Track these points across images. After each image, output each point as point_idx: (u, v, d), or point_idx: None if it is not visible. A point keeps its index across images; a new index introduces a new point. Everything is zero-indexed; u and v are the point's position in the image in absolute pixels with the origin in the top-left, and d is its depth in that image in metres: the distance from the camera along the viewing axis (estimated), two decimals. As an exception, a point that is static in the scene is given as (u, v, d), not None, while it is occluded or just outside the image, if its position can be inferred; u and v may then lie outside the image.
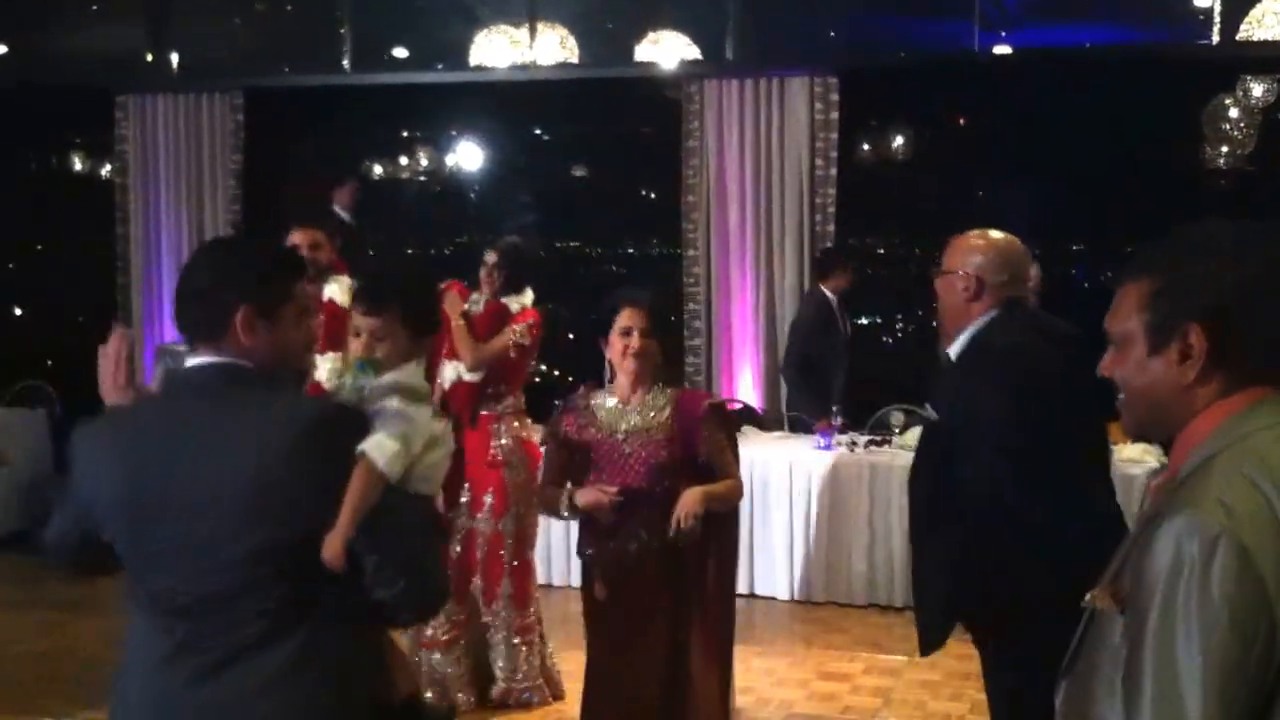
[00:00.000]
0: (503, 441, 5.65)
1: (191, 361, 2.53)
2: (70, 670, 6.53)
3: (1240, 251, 1.84)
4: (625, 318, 3.97)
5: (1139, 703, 1.71)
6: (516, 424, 5.70)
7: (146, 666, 2.52)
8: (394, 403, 2.61)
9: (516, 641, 5.69)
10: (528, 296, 5.74)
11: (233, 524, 2.41)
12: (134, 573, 2.55)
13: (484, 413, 5.65)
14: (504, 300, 5.69)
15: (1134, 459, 7.25)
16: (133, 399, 2.77)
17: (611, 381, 4.09)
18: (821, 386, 8.24)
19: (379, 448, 2.49)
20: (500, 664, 5.69)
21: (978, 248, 3.78)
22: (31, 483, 9.67)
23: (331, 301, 5.20)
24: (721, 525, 4.06)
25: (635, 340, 3.95)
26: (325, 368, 4.87)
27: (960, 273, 3.74)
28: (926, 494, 3.80)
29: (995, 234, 3.84)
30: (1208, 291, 1.81)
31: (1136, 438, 2.41)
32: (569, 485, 4.05)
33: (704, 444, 3.99)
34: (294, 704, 2.46)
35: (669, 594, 3.99)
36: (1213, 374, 1.82)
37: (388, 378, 2.73)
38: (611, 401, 4.04)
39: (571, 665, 5.45)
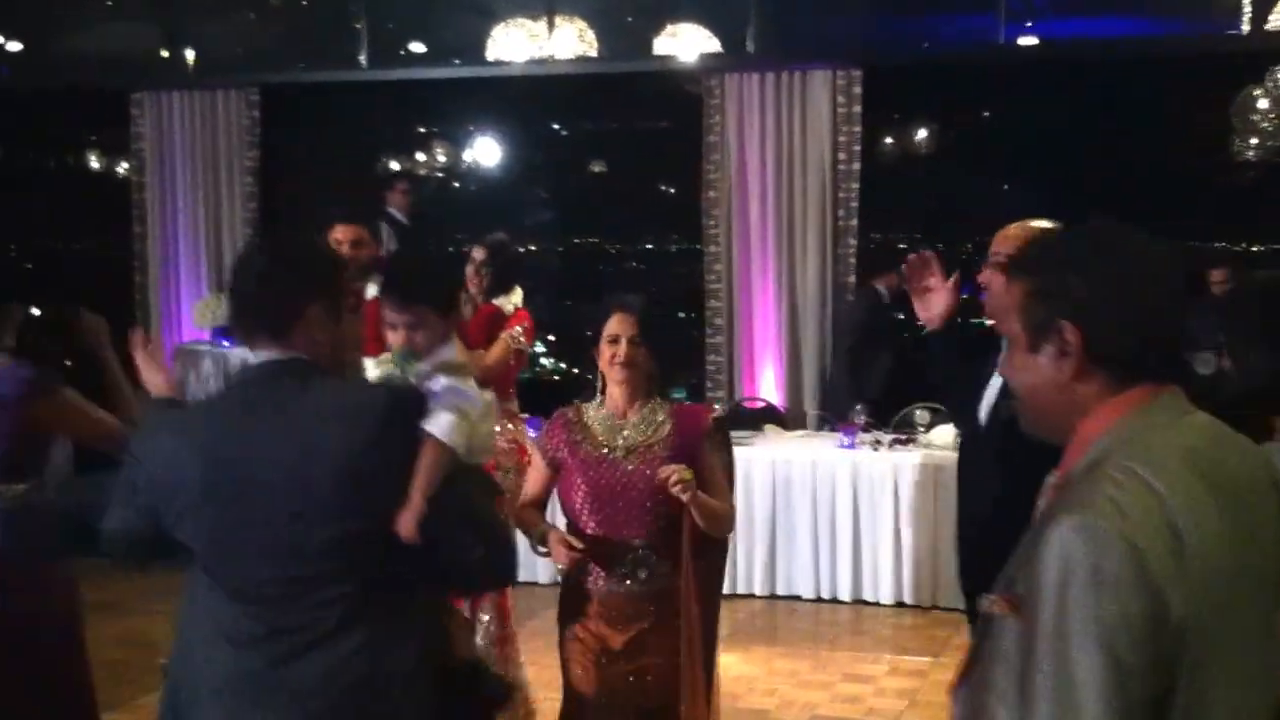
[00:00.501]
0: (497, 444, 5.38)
1: (257, 358, 2.61)
2: (100, 674, 6.45)
3: (1111, 250, 1.86)
4: (614, 324, 3.72)
5: (1035, 709, 1.69)
6: (511, 426, 5.47)
7: (227, 650, 2.59)
8: (443, 380, 2.76)
9: (495, 652, 5.33)
10: (518, 295, 5.52)
11: (319, 511, 2.50)
12: (213, 562, 2.60)
13: None
14: (496, 302, 5.45)
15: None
16: (174, 383, 2.96)
17: (604, 393, 3.81)
18: (867, 385, 8.17)
19: (440, 423, 2.62)
20: None
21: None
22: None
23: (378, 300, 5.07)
24: (707, 553, 3.78)
25: (623, 348, 3.70)
26: (380, 370, 4.63)
27: None
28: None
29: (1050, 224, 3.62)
30: (1078, 288, 1.82)
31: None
32: (546, 522, 3.79)
33: (706, 462, 3.74)
34: (374, 678, 2.56)
35: (657, 629, 3.69)
36: (1093, 371, 1.82)
37: (432, 360, 2.89)
38: (605, 415, 3.78)
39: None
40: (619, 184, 12.79)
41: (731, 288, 8.98)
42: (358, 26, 9.73)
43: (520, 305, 5.50)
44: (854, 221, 8.73)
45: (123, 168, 11.54)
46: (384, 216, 9.15)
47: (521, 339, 5.38)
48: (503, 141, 11.98)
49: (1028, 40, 9.10)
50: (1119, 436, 1.80)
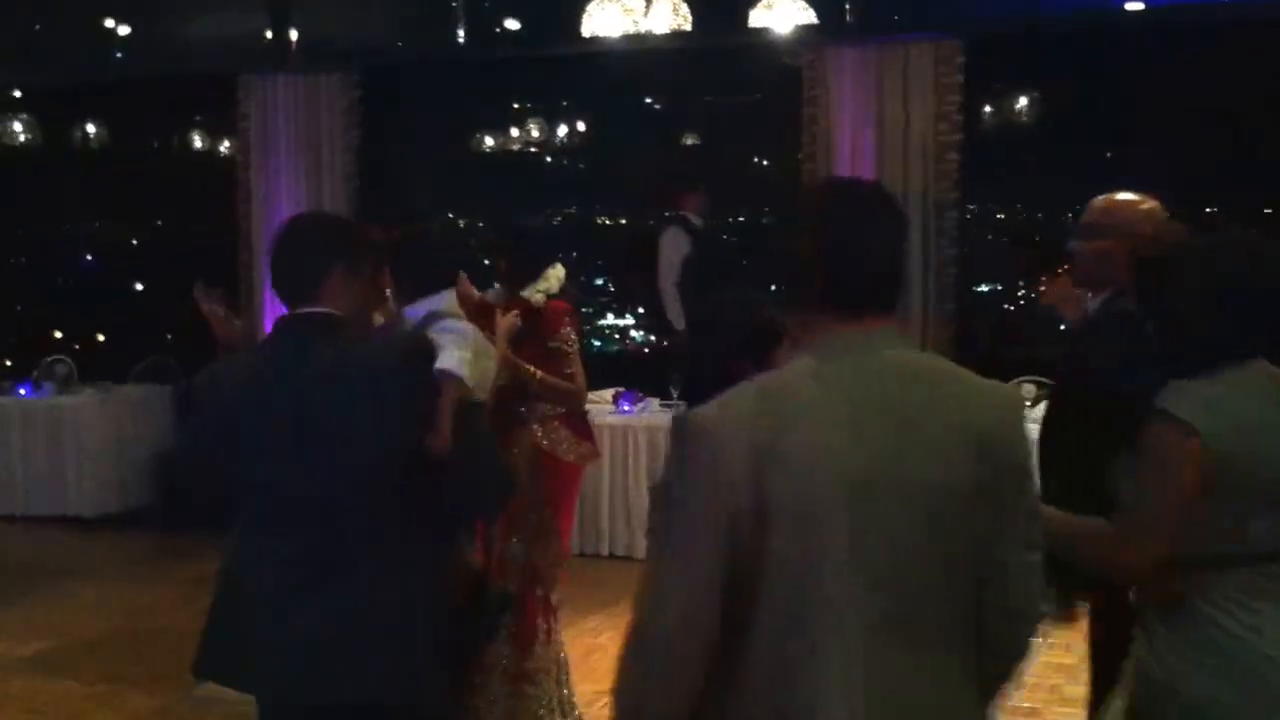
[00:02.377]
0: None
1: (294, 314, 3.04)
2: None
3: (823, 200, 2.21)
4: None
5: (646, 564, 2.01)
6: (538, 430, 4.81)
7: (266, 568, 3.02)
8: (440, 324, 3.21)
9: (507, 690, 4.74)
10: (553, 280, 4.82)
11: (348, 441, 2.91)
12: (260, 490, 3.02)
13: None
14: (525, 294, 4.78)
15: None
16: (241, 334, 3.46)
17: None
18: None
19: (454, 360, 3.09)
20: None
21: (1150, 209, 3.71)
22: (157, 456, 9.87)
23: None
24: None
25: None
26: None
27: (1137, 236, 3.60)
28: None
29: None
30: (815, 230, 2.11)
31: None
32: None
33: None
34: (394, 594, 2.98)
35: None
36: (817, 302, 2.08)
37: (425, 309, 3.38)
38: None
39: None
40: (712, 157, 12.75)
41: (830, 261, 8.90)
42: (454, 5, 9.79)
43: (556, 293, 4.82)
44: (956, 194, 8.63)
45: (226, 147, 11.77)
46: (678, 221, 8.86)
47: (572, 340, 4.79)
48: (596, 117, 12.00)
49: (1134, 5, 8.89)
50: (796, 357, 2.08)
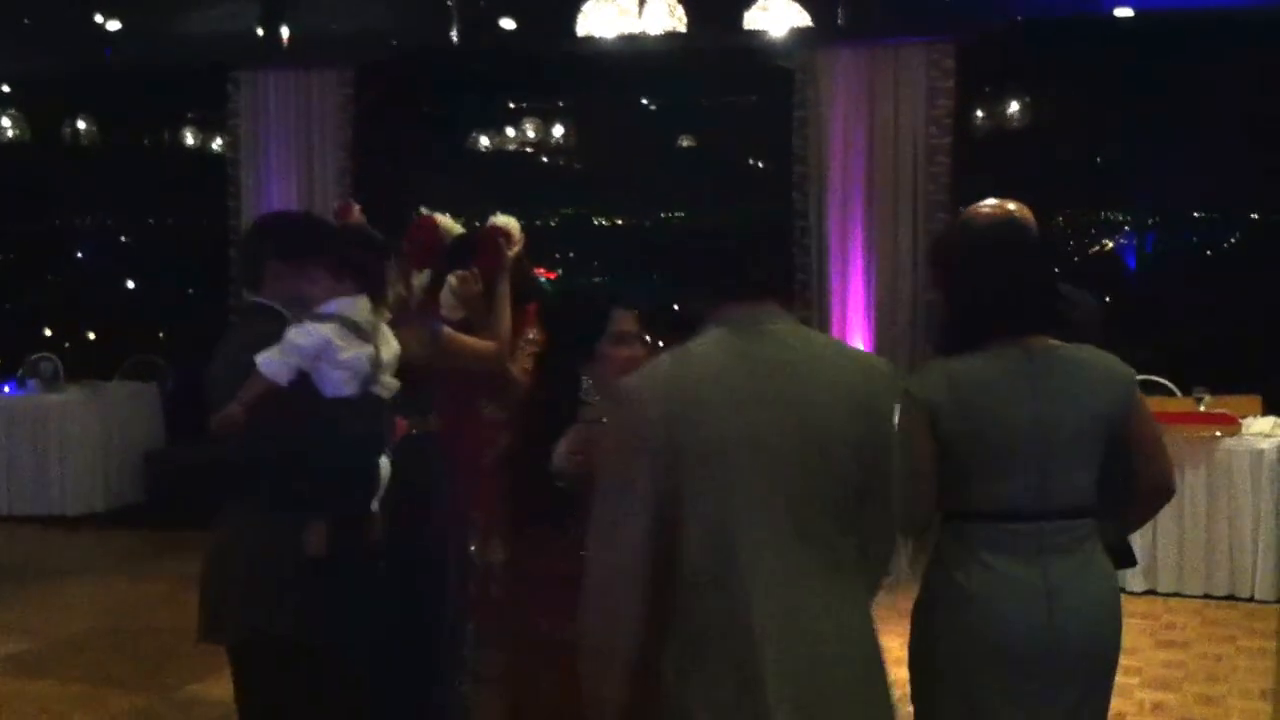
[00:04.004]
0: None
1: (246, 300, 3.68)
2: (186, 645, 6.59)
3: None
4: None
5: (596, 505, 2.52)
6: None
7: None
8: (306, 325, 3.43)
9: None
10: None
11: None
12: None
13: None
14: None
15: (1264, 432, 7.07)
16: None
17: None
18: None
19: (267, 356, 3.39)
20: None
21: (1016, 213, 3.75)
22: (147, 454, 9.85)
23: None
24: None
25: None
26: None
27: None
28: None
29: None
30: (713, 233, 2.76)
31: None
32: None
33: None
34: (236, 543, 3.54)
35: None
36: (704, 288, 2.65)
37: (327, 309, 3.56)
38: None
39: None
40: (707, 158, 12.76)
41: (821, 262, 8.93)
42: (449, 4, 9.77)
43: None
44: (945, 196, 8.63)
45: (217, 143, 11.73)
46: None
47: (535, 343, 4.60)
48: (591, 117, 11.97)
49: (1123, 10, 8.87)
50: (704, 331, 2.56)
